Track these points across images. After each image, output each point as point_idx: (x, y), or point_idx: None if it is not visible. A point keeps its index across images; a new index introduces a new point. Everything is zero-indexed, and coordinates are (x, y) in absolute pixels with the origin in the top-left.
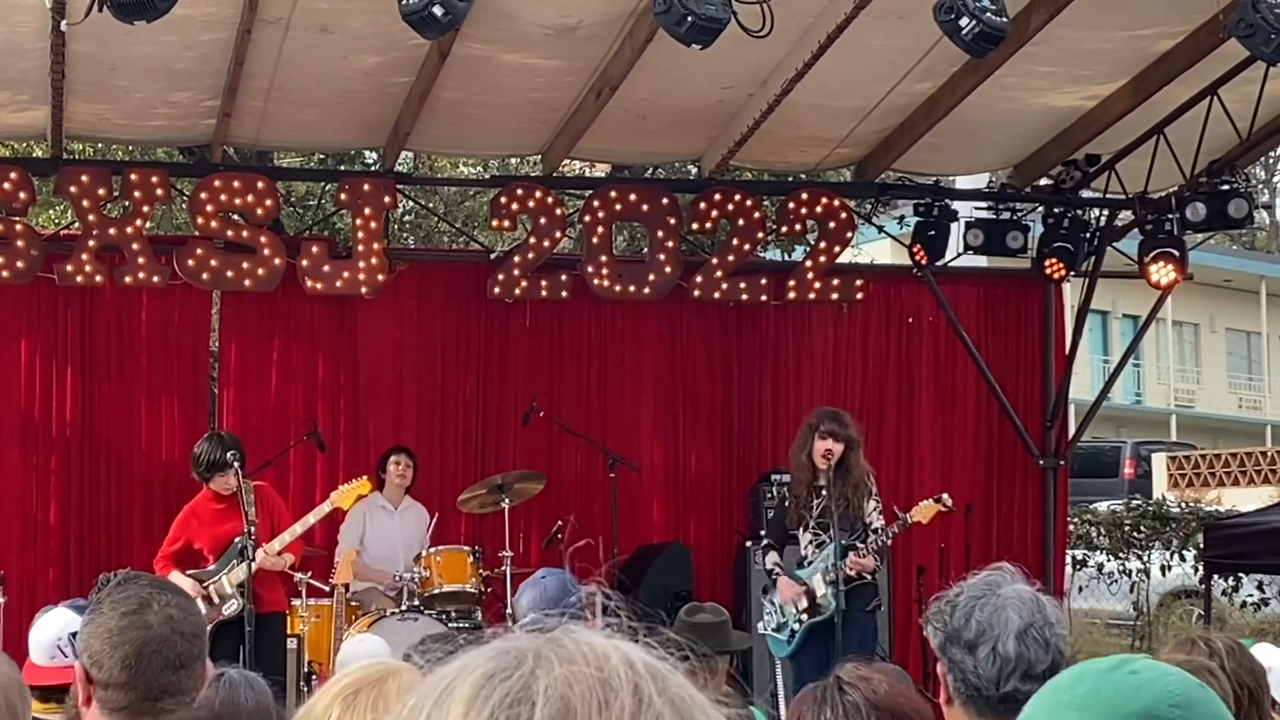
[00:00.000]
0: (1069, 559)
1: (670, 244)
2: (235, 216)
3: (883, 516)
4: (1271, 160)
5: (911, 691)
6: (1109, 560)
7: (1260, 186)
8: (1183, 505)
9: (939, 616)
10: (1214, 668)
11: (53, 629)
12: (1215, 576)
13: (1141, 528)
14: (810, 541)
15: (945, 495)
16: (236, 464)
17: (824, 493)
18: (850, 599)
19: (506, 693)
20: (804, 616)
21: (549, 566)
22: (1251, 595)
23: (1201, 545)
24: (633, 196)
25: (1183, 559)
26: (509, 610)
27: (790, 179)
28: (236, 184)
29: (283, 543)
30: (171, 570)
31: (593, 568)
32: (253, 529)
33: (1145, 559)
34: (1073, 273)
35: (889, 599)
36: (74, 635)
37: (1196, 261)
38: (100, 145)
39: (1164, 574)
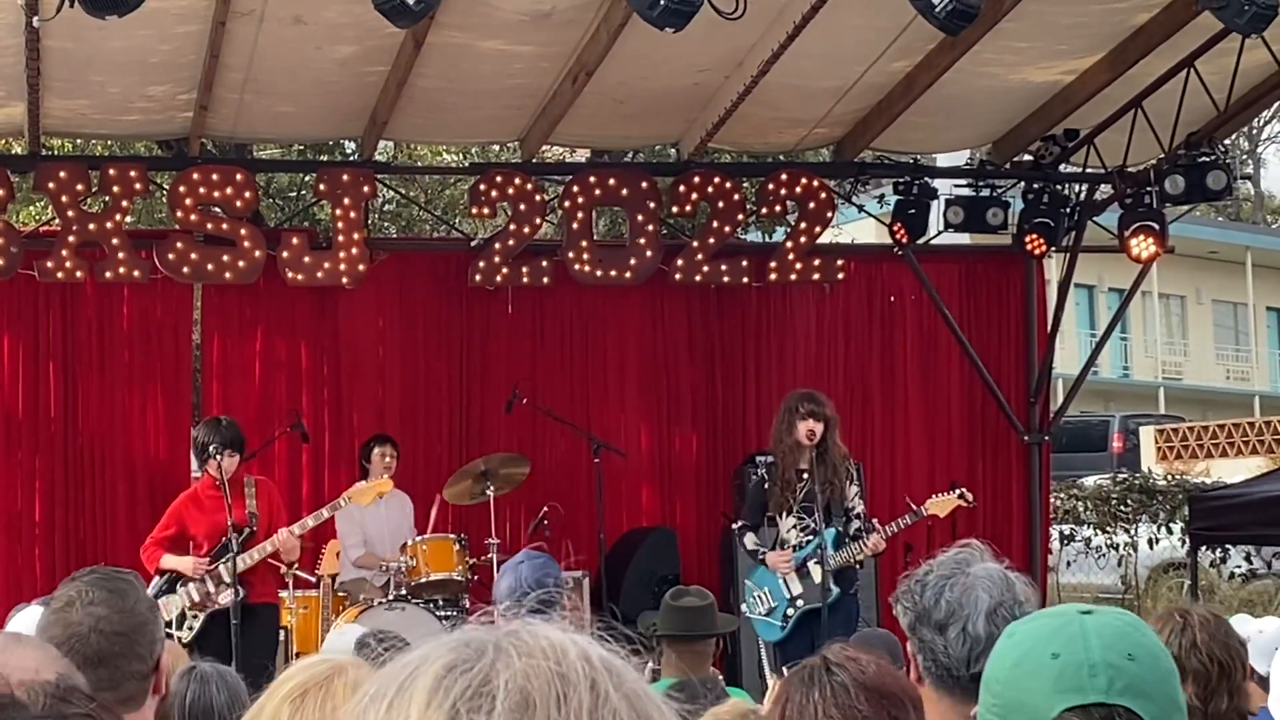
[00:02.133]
0: (1056, 534)
1: (650, 228)
2: (215, 209)
3: (863, 500)
4: (1254, 130)
5: (899, 670)
6: (1096, 535)
7: (1244, 156)
8: (1169, 478)
9: (908, 596)
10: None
11: (24, 626)
12: (1202, 549)
13: (1128, 501)
14: (794, 526)
15: (967, 490)
16: (234, 451)
17: (806, 476)
18: (839, 583)
19: (468, 685)
20: (800, 602)
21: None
22: (1239, 567)
23: (1187, 517)
24: (612, 181)
25: (1170, 532)
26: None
27: (769, 160)
28: (215, 177)
29: (304, 527)
30: (163, 555)
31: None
32: (255, 519)
33: (1132, 533)
34: (1053, 248)
35: (876, 575)
36: None
37: (1181, 233)
38: (78, 140)
39: (1151, 548)
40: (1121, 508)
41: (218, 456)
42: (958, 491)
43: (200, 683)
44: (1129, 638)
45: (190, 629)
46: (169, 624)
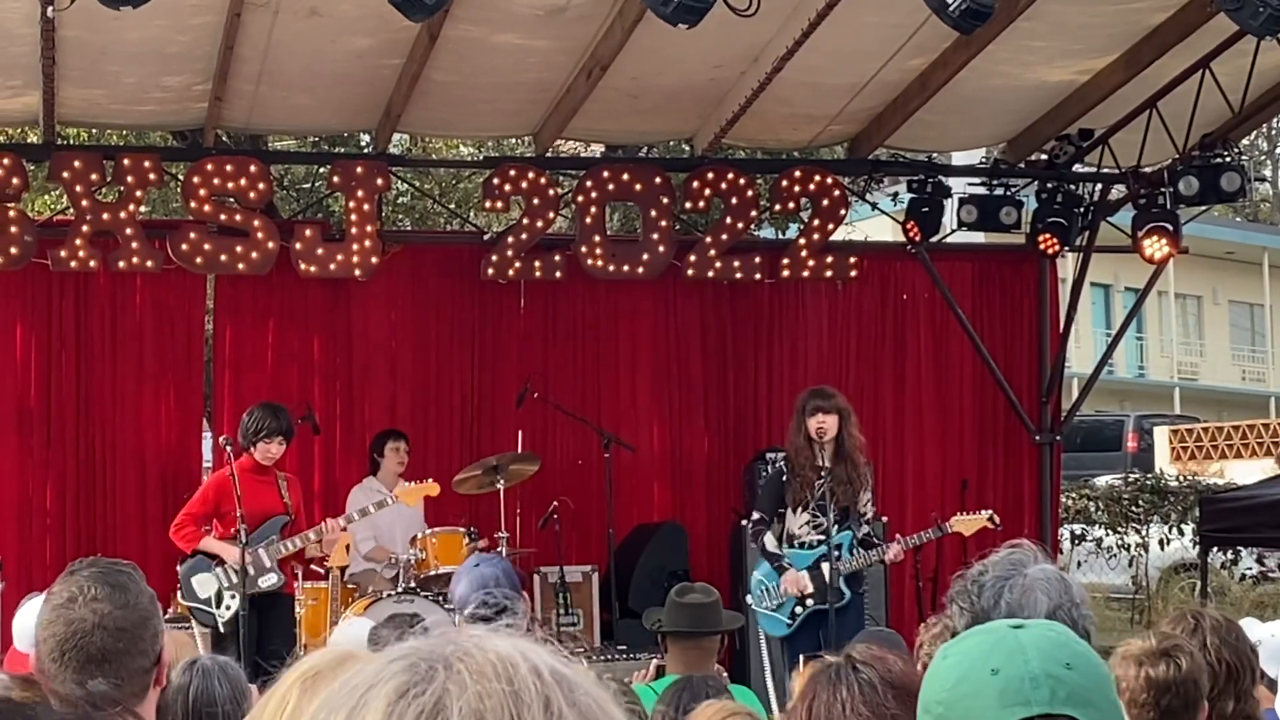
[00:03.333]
0: (1067, 534)
1: (664, 223)
2: (229, 200)
3: (874, 507)
4: (1273, 131)
5: (917, 669)
6: (1108, 535)
7: (1263, 158)
8: (1181, 479)
9: (964, 596)
10: (1185, 646)
11: (32, 617)
12: (1213, 550)
13: (1140, 502)
14: (808, 523)
15: (994, 514)
16: (284, 439)
17: (824, 475)
18: (850, 585)
19: (421, 710)
20: (809, 601)
21: (542, 549)
22: (1250, 569)
23: (1198, 519)
24: (626, 176)
25: (1181, 533)
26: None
27: (783, 156)
28: (229, 168)
29: (350, 520)
30: (203, 537)
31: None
32: (290, 509)
33: (1144, 533)
34: (1067, 248)
35: (885, 576)
36: None
37: (1198, 234)
38: (93, 130)
39: (1162, 548)
40: (1133, 508)
41: (272, 441)
42: (987, 514)
43: (202, 676)
44: (1065, 647)
45: (228, 608)
46: (205, 602)
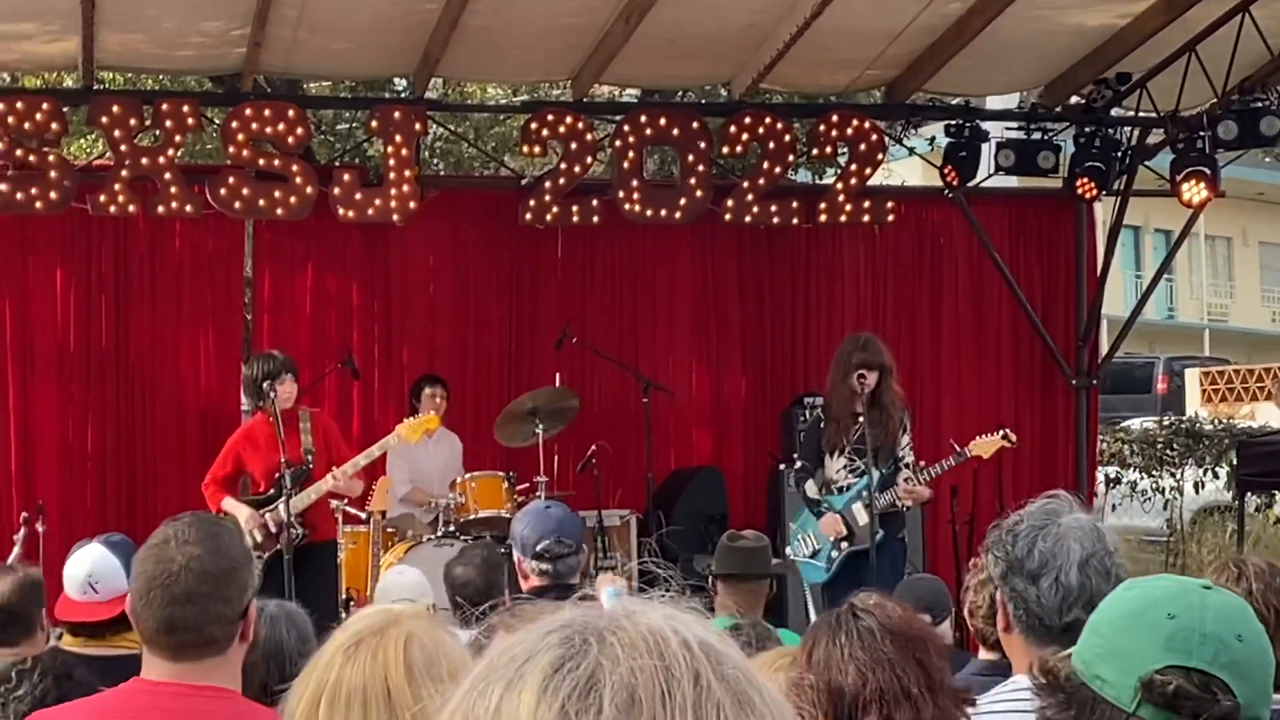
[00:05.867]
0: (1102, 477)
1: (701, 168)
2: (266, 145)
3: (913, 452)
4: None
5: (923, 618)
6: (1142, 478)
7: None
8: (1215, 422)
9: (999, 546)
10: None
11: (84, 565)
12: (1249, 494)
13: (1174, 445)
14: (844, 467)
15: (1009, 430)
16: (292, 374)
17: (861, 420)
18: (884, 526)
19: (574, 685)
20: (844, 544)
21: (580, 493)
22: None
23: (1234, 463)
24: (663, 121)
25: (1216, 476)
26: (509, 537)
27: (821, 101)
28: (267, 113)
29: (357, 466)
30: (224, 497)
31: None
32: (311, 456)
33: (1178, 477)
34: (1104, 192)
35: (922, 520)
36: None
37: (1229, 175)
38: (130, 75)
39: (1197, 492)
40: (1168, 451)
41: (275, 385)
42: (1001, 432)
43: (270, 624)
44: (1243, 620)
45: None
46: None
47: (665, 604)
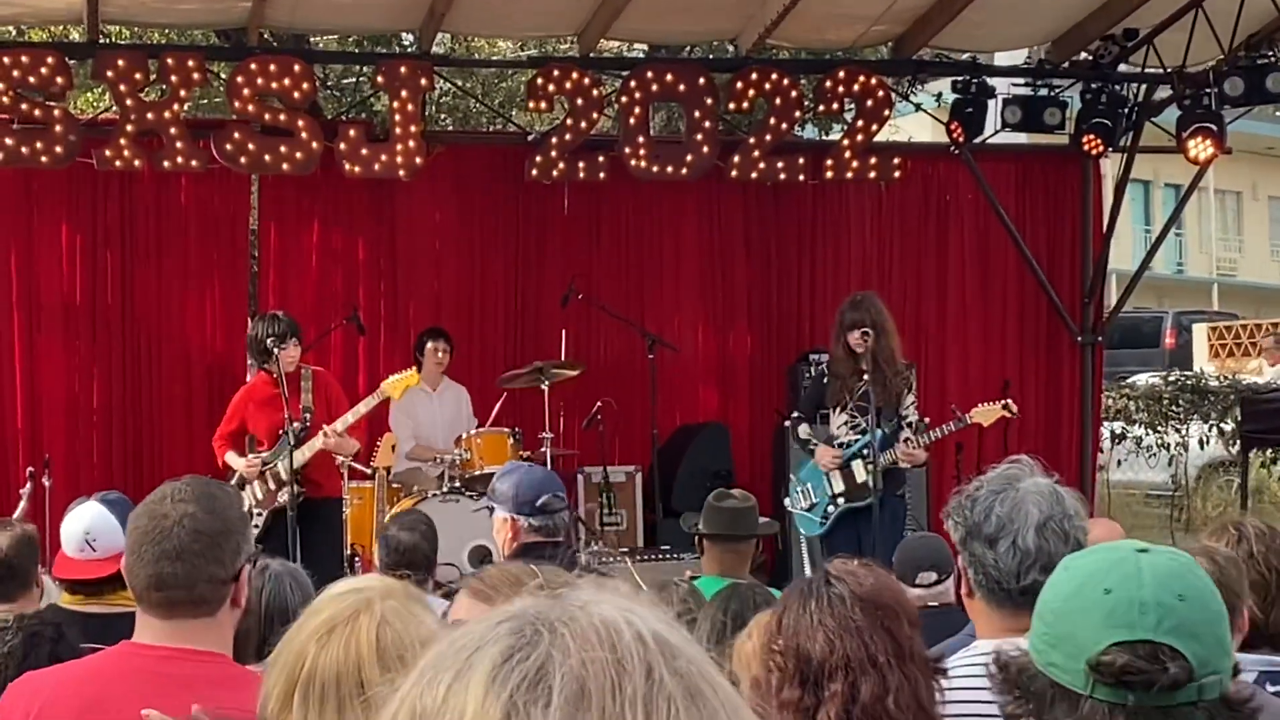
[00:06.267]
0: (1107, 433)
1: (708, 124)
2: (272, 100)
3: (918, 411)
4: None
5: (898, 585)
6: (1147, 434)
7: None
8: (1221, 378)
9: (959, 511)
10: (1220, 555)
11: (82, 522)
12: (1253, 450)
13: (1180, 401)
14: (846, 423)
15: (1011, 401)
16: (296, 338)
17: (865, 378)
18: (884, 483)
19: (524, 675)
20: (840, 500)
21: (585, 449)
22: None
23: (1239, 419)
24: (669, 76)
25: (1221, 433)
26: (489, 493)
27: (827, 57)
28: (273, 67)
29: (345, 424)
30: (228, 451)
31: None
32: (309, 415)
33: (1183, 432)
34: (1111, 148)
35: (926, 478)
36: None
37: (1238, 129)
38: (136, 29)
39: (1202, 448)
40: (1173, 408)
41: (279, 348)
42: (1003, 402)
43: (275, 581)
44: (1182, 578)
45: (256, 526)
46: None
47: (622, 595)
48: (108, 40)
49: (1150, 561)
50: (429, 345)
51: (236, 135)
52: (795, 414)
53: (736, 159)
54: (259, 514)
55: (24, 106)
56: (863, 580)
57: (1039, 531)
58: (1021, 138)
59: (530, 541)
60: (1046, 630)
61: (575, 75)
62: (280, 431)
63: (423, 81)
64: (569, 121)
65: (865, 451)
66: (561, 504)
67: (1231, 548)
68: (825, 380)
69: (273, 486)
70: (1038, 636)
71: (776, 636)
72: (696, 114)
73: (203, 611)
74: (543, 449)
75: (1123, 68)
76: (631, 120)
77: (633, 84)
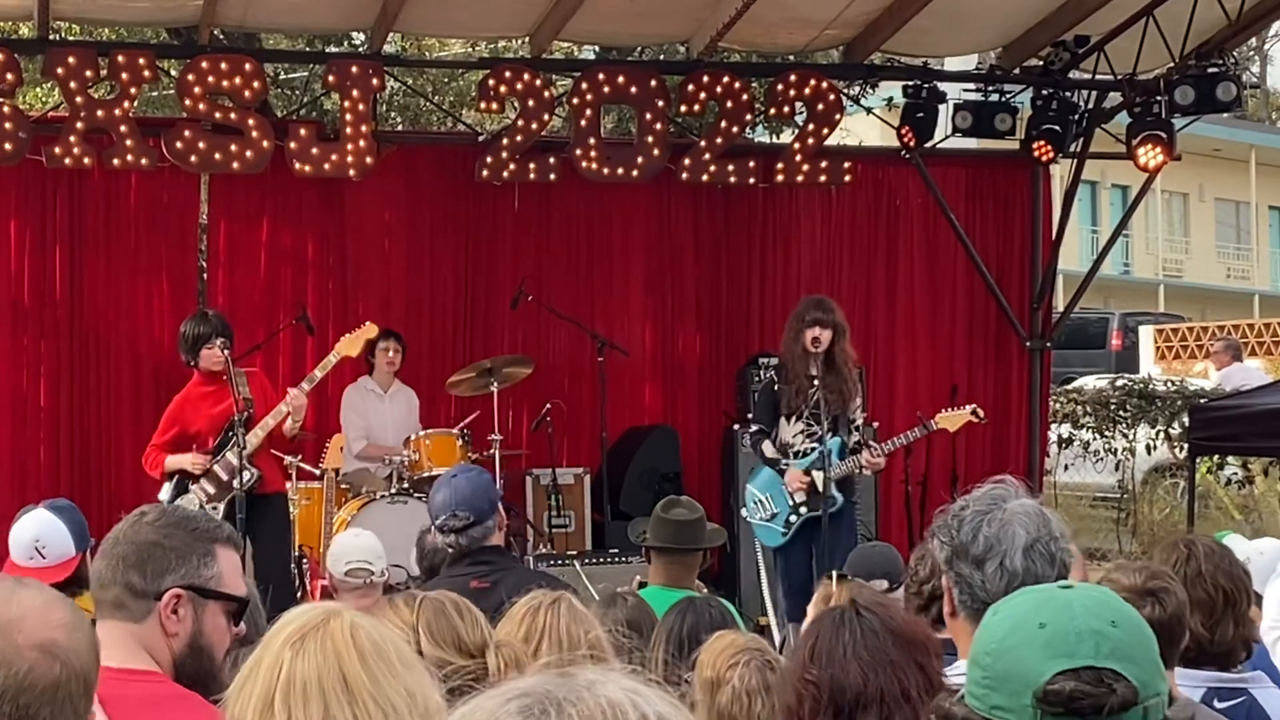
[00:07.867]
0: (1055, 437)
1: (659, 126)
2: (223, 99)
3: (865, 414)
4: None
5: (922, 619)
6: (1095, 438)
7: (1251, 54)
8: (1169, 383)
9: (945, 531)
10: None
11: (31, 530)
12: (1199, 457)
13: (1127, 406)
14: (801, 431)
15: (978, 407)
16: (222, 339)
17: (816, 383)
18: (840, 491)
19: None
20: (803, 509)
21: (534, 451)
22: (1235, 474)
23: (1187, 426)
24: (621, 79)
25: (1168, 438)
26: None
27: (779, 60)
28: (224, 66)
29: (313, 381)
30: (165, 457)
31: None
32: (250, 404)
33: (1130, 437)
34: (1060, 154)
35: (875, 484)
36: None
37: (1187, 131)
38: (87, 26)
39: (1149, 453)
40: (1120, 412)
41: (205, 347)
42: (970, 408)
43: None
44: (1110, 606)
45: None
46: None
47: (626, 674)
48: (58, 37)
49: (1077, 595)
50: (380, 345)
51: (187, 134)
52: (755, 427)
53: (687, 161)
54: (214, 508)
55: None
56: (894, 613)
57: (1026, 553)
58: (972, 143)
59: (449, 556)
60: (984, 674)
61: (526, 76)
62: (229, 419)
63: (374, 81)
64: (520, 122)
65: (822, 460)
66: (462, 522)
67: (1180, 566)
68: (776, 388)
69: (224, 477)
70: (974, 684)
71: (810, 665)
72: (648, 116)
73: (125, 615)
74: (491, 450)
75: (1074, 74)
76: (583, 122)
77: (584, 85)
